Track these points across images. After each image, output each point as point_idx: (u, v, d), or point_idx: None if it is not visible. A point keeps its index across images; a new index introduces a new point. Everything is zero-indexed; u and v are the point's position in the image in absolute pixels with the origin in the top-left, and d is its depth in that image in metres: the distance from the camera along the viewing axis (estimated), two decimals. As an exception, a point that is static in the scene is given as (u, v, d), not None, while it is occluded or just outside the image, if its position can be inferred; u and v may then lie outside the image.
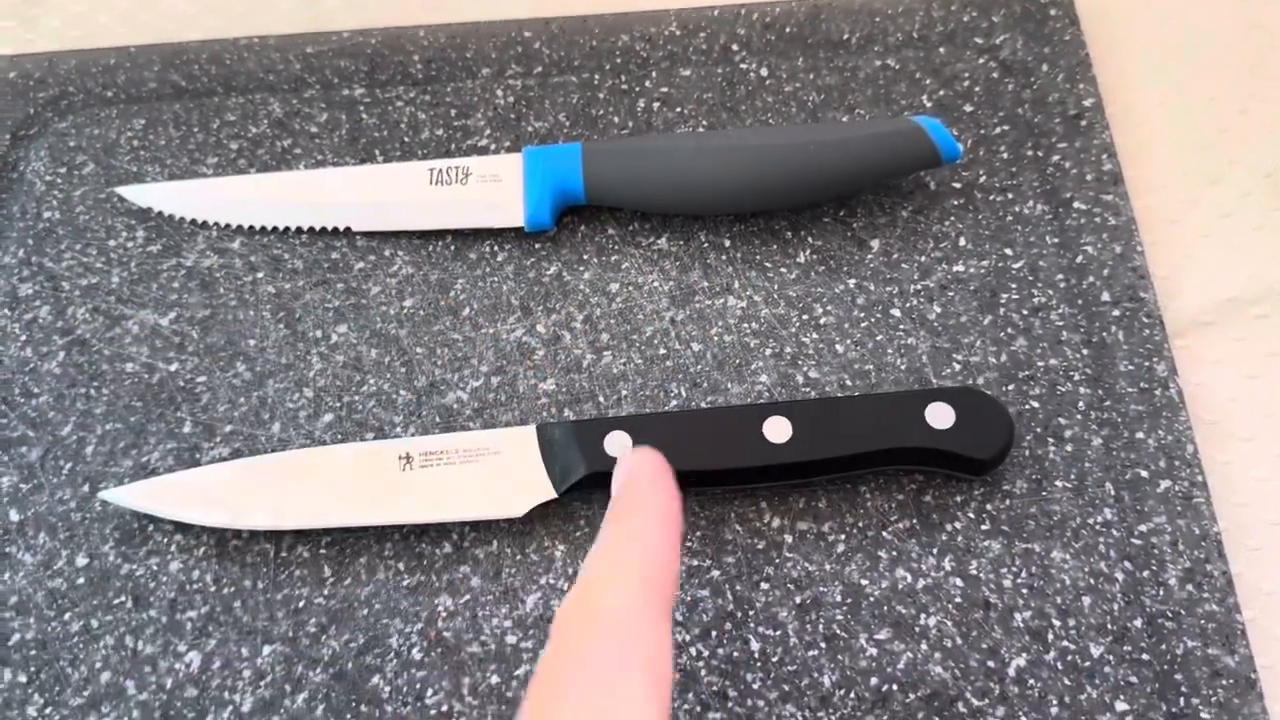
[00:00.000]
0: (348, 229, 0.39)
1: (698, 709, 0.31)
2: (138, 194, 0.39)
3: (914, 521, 0.34)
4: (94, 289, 0.38)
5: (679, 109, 0.41)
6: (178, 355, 0.37)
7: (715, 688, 0.32)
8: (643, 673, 0.22)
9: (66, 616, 0.33)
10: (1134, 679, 0.31)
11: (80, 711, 0.32)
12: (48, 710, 0.32)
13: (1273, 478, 0.35)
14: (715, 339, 0.37)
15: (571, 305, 0.38)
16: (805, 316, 0.37)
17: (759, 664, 0.32)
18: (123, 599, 0.33)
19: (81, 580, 0.34)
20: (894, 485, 0.34)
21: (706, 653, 0.32)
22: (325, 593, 0.33)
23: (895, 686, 0.31)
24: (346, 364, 0.37)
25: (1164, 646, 0.32)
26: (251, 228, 0.39)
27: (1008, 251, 0.38)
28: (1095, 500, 0.34)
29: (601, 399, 0.36)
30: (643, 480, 0.26)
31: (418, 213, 0.38)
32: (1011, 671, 0.32)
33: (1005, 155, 0.40)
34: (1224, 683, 0.31)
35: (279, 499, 0.33)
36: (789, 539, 0.34)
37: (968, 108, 0.41)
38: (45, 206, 0.40)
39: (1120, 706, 0.31)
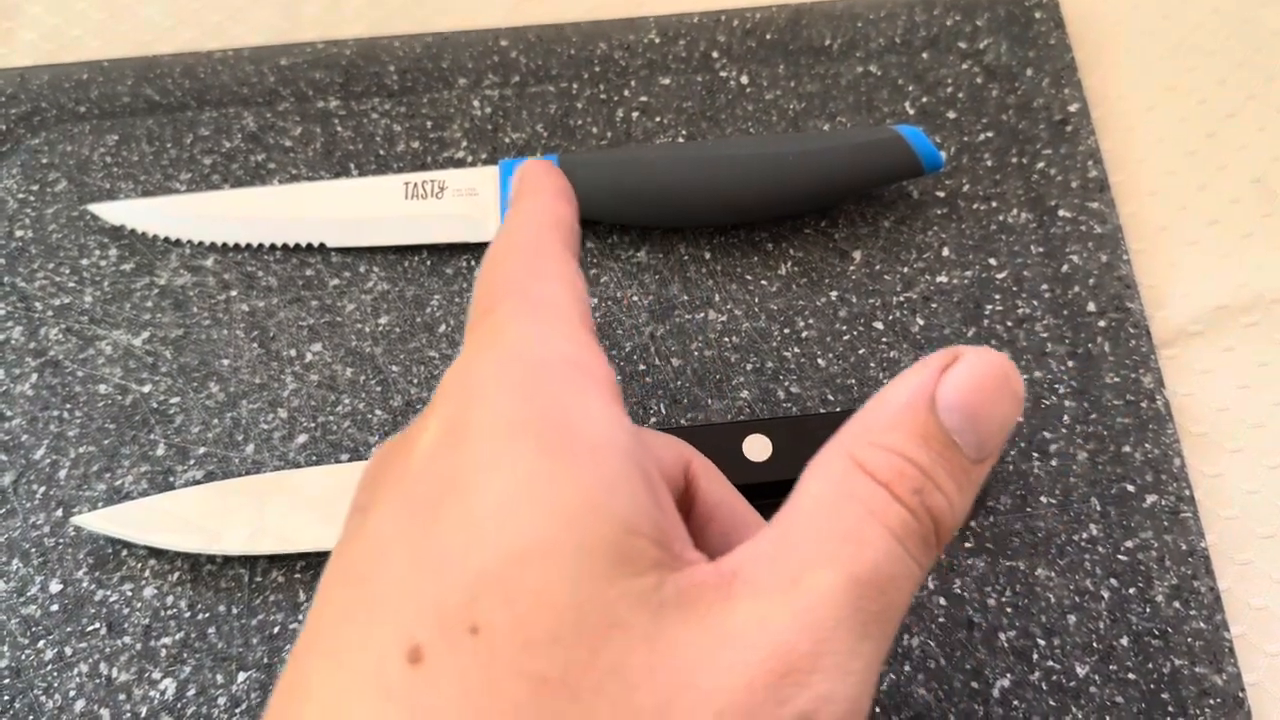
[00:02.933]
0: (322, 245, 0.38)
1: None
2: (110, 211, 0.39)
3: (897, 539, 0.33)
4: (67, 309, 0.38)
5: (658, 118, 0.41)
6: (151, 376, 0.37)
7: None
8: (566, 290, 0.22)
9: (40, 644, 0.33)
10: (1120, 699, 0.31)
11: (53, 742, 0.32)
12: (20, 741, 0.32)
13: (1263, 490, 0.35)
14: (695, 354, 0.36)
15: (549, 321, 0.37)
16: (787, 330, 0.36)
17: (739, 687, 0.31)
18: (97, 625, 0.33)
19: (55, 607, 0.33)
20: (876, 503, 0.34)
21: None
22: (300, 618, 0.33)
23: (878, 709, 0.31)
24: (321, 383, 0.36)
25: (1151, 665, 0.31)
26: (225, 244, 0.39)
27: (992, 261, 0.37)
28: (1081, 516, 0.33)
29: (580, 417, 0.35)
30: (529, 172, 0.26)
31: (393, 228, 0.38)
32: (996, 693, 0.31)
33: (989, 163, 0.39)
34: (1211, 701, 0.31)
35: (253, 523, 0.33)
36: (770, 558, 0.33)
37: (951, 114, 0.40)
38: (18, 225, 0.39)
39: (1106, 728, 0.31)
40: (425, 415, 0.21)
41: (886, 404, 0.19)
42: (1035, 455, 0.34)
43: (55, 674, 0.32)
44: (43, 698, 0.32)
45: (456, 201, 0.38)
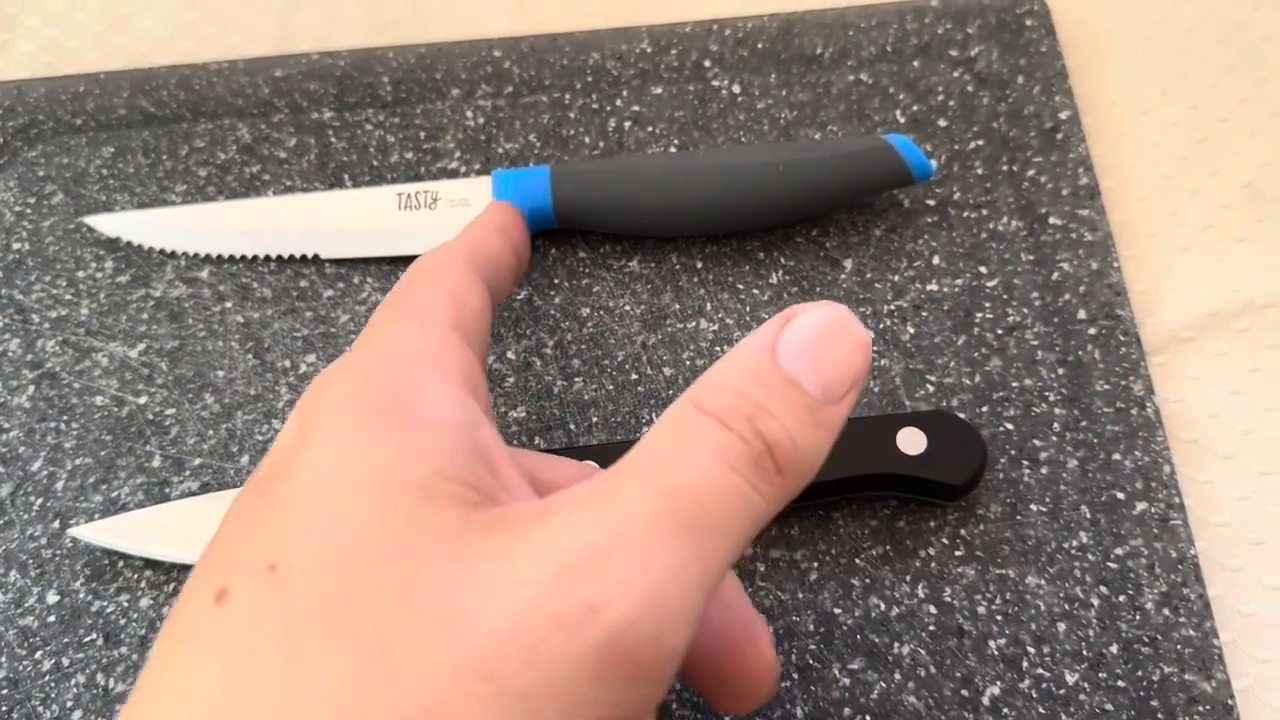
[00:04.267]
0: (315, 256, 0.38)
1: (668, 743, 0.31)
2: (105, 223, 0.39)
3: (887, 548, 0.33)
4: (63, 321, 0.38)
5: (650, 128, 0.41)
6: (147, 388, 0.37)
7: (686, 721, 0.31)
8: (445, 298, 0.25)
9: (38, 655, 0.33)
10: (1110, 706, 0.31)
11: (50, 752, 0.32)
12: (18, 751, 0.32)
13: (1253, 496, 0.35)
14: (687, 363, 0.36)
15: (542, 331, 0.37)
16: (778, 339, 0.37)
17: (730, 696, 0.31)
18: (94, 636, 0.33)
19: (52, 618, 0.34)
20: (867, 511, 0.34)
21: (678, 685, 0.32)
22: (295, 628, 0.33)
23: (868, 717, 0.31)
24: (316, 394, 0.36)
25: (1140, 673, 0.31)
26: (219, 256, 0.39)
27: (982, 269, 0.37)
28: (1071, 524, 0.33)
29: (572, 426, 0.36)
30: (485, 209, 0.32)
31: (386, 239, 0.38)
32: (986, 701, 0.31)
33: (980, 170, 0.39)
34: (1201, 708, 0.31)
35: (247, 534, 0.33)
36: (761, 567, 0.33)
37: (942, 122, 0.40)
38: (14, 238, 0.40)
39: (1095, 735, 0.31)
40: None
41: (729, 357, 0.20)
42: (1025, 463, 0.34)
43: (53, 684, 0.33)
44: (40, 708, 0.32)
45: (449, 212, 0.38)
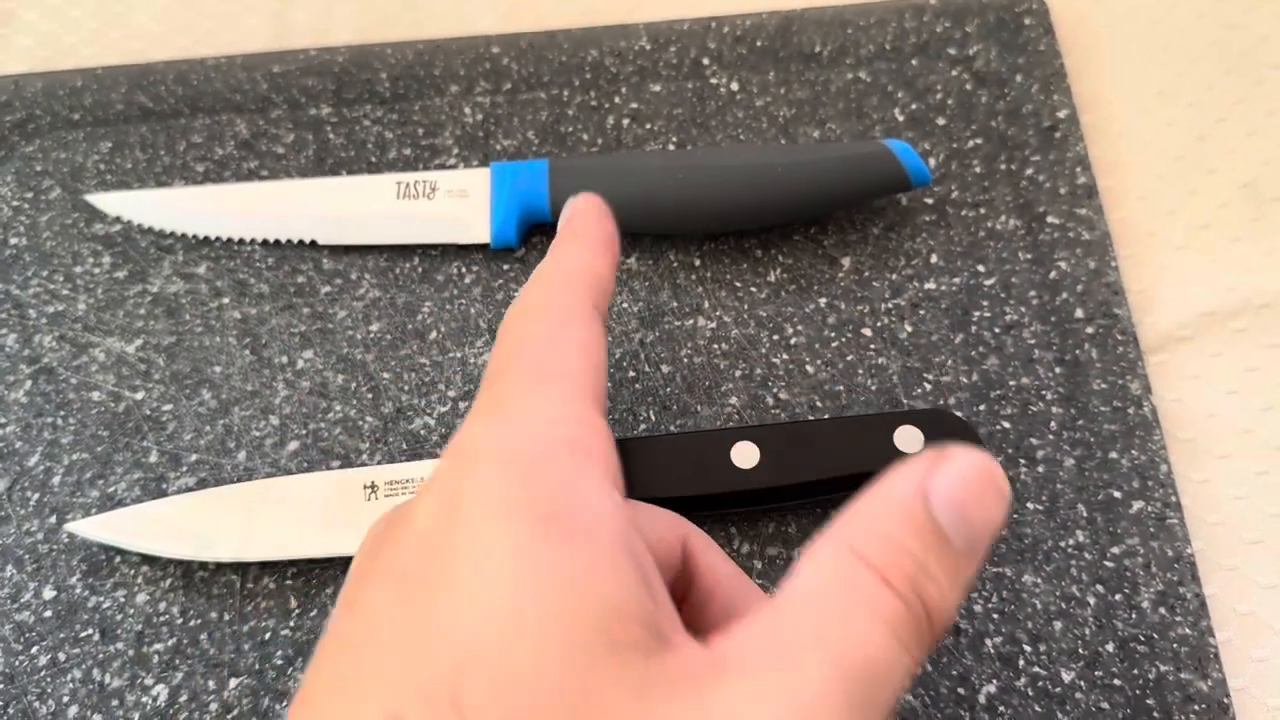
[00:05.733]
0: (313, 242, 0.38)
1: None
2: (106, 202, 0.39)
3: (884, 546, 0.33)
4: (60, 316, 0.38)
5: (649, 125, 0.41)
6: (144, 383, 0.37)
7: None
8: (580, 356, 0.23)
9: (34, 650, 0.33)
10: (1106, 705, 0.31)
11: (46, 748, 0.32)
12: (13, 747, 0.32)
13: (1250, 495, 0.35)
14: (685, 361, 0.36)
15: (540, 328, 0.37)
16: (775, 337, 0.37)
17: (727, 693, 0.31)
18: (90, 632, 0.33)
19: (49, 613, 0.34)
20: (864, 509, 0.34)
21: None
22: (291, 624, 0.33)
23: (864, 714, 0.31)
24: (312, 390, 0.36)
25: (1136, 671, 0.31)
26: (217, 239, 0.39)
27: (980, 268, 0.37)
28: (1067, 522, 0.33)
29: (570, 423, 0.36)
30: (579, 211, 0.28)
31: (384, 227, 0.38)
32: (982, 699, 0.31)
33: (978, 169, 0.39)
34: (1197, 707, 0.31)
35: (244, 530, 0.33)
36: (759, 565, 0.33)
37: (940, 121, 0.40)
38: (12, 232, 0.40)
39: (1091, 733, 0.31)
40: (426, 487, 0.21)
41: (881, 497, 0.20)
42: (1022, 461, 0.34)
43: (49, 680, 0.33)
44: (36, 703, 0.32)
45: (447, 202, 0.38)
